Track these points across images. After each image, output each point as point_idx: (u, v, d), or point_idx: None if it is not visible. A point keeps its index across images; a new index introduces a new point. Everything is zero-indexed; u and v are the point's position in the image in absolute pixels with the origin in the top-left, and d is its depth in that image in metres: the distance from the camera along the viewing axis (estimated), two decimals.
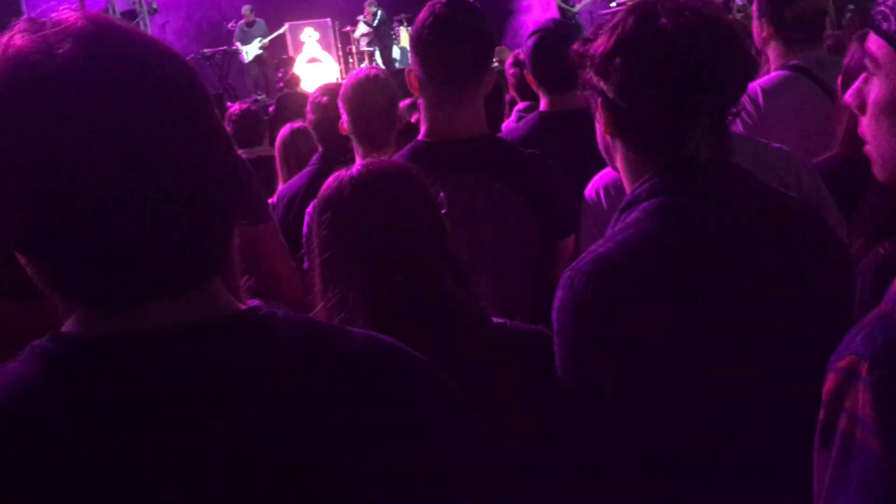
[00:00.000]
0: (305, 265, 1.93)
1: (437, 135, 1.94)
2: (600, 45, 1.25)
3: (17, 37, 0.70)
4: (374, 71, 2.60)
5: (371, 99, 2.45)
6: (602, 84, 1.26)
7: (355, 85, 2.49)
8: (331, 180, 1.38)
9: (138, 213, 0.69)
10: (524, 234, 1.91)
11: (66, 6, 0.73)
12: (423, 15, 1.94)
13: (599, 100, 1.29)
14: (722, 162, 1.27)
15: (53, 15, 0.72)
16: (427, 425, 0.80)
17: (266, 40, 12.73)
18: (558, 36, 2.52)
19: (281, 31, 12.85)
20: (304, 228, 2.05)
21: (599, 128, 1.35)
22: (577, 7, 12.23)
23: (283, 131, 3.31)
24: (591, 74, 1.28)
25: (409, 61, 2.02)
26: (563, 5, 12.22)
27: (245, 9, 12.93)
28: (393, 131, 2.51)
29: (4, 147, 0.68)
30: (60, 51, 0.68)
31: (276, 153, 3.31)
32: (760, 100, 2.40)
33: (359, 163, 1.39)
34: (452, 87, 1.92)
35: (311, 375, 0.77)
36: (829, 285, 1.27)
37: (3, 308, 1.24)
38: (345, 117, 2.46)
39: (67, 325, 0.75)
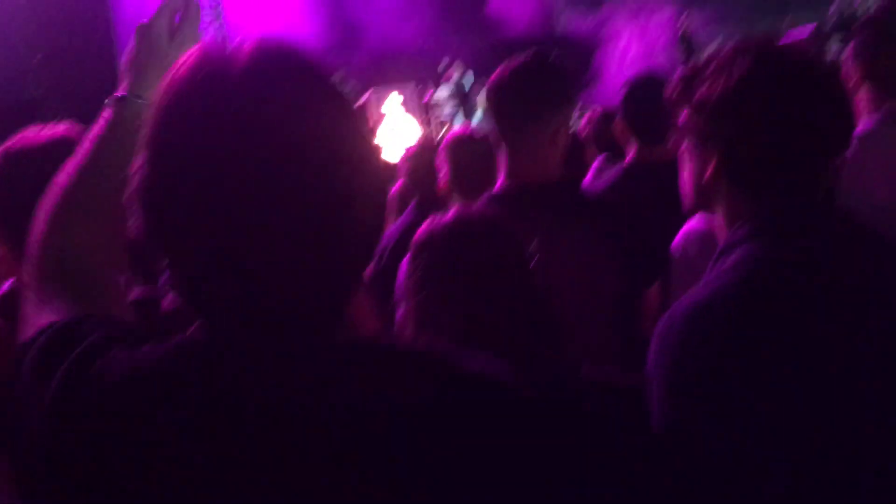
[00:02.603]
0: (398, 317, 1.95)
1: (515, 180, 1.97)
2: (715, 88, 1.23)
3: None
4: (471, 130, 2.76)
5: (470, 156, 2.55)
6: (712, 128, 1.24)
7: (454, 142, 2.64)
8: (425, 226, 1.41)
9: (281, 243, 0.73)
10: (602, 284, 1.90)
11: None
12: (503, 66, 2.01)
13: (708, 144, 1.26)
14: (830, 205, 1.25)
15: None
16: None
17: None
18: (657, 86, 2.53)
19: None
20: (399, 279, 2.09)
21: (692, 173, 1.32)
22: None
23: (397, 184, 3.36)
24: (696, 119, 1.26)
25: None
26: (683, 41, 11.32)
27: None
28: (490, 188, 2.58)
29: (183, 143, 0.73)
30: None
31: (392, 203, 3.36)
32: (856, 149, 2.31)
33: (453, 210, 1.42)
34: (520, 134, 1.96)
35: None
36: None
37: None
38: (444, 172, 2.53)
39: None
